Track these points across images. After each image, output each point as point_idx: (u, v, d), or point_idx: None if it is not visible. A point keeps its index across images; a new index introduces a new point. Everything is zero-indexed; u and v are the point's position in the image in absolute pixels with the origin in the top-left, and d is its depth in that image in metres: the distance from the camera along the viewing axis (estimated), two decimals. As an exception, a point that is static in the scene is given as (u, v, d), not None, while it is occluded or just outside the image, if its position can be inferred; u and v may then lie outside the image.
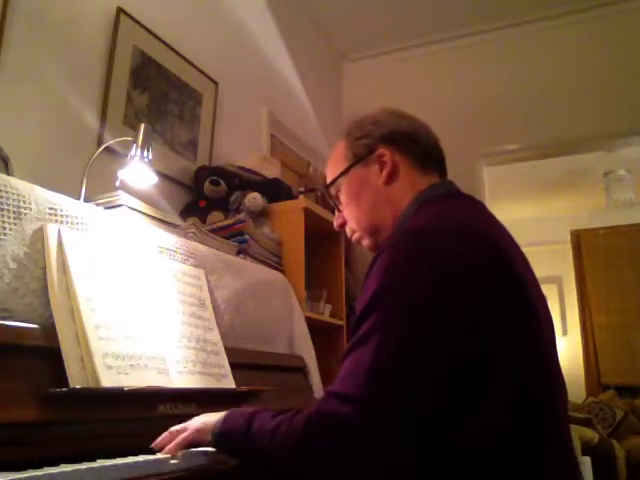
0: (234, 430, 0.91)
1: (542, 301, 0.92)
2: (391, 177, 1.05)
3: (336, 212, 1.16)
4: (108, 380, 1.03)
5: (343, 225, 1.15)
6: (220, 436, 0.93)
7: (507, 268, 0.85)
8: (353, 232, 1.13)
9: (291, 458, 0.81)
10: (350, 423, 0.76)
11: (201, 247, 1.62)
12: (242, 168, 2.35)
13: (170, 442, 0.99)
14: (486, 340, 0.79)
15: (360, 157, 1.08)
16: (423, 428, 0.76)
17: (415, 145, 1.07)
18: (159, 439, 1.01)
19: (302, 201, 2.31)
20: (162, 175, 2.04)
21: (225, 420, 0.94)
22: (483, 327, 0.79)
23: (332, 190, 1.14)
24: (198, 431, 0.97)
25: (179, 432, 1.00)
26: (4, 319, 0.97)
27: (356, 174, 1.09)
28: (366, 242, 1.11)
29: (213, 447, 0.96)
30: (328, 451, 0.77)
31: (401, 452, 0.76)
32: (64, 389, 0.96)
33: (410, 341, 0.78)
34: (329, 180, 1.15)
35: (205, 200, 2.20)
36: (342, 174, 1.11)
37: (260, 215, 2.24)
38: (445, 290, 0.80)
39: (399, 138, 1.07)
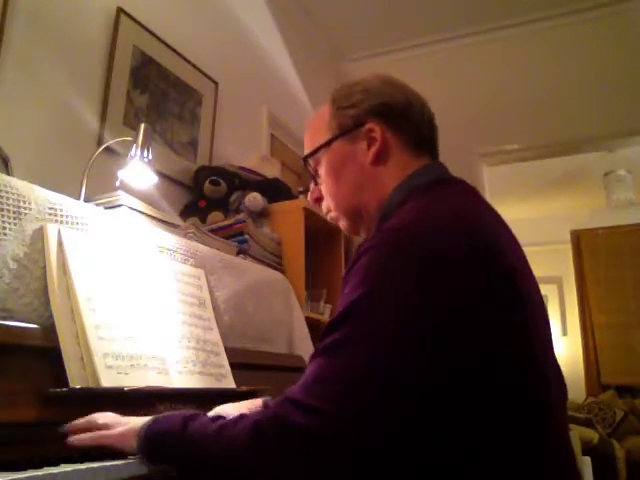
0: (167, 433, 0.81)
1: (538, 296, 0.85)
2: (379, 157, 0.93)
3: (311, 185, 1.03)
4: (108, 380, 1.03)
5: (319, 200, 1.03)
6: (148, 440, 0.82)
7: (502, 267, 0.78)
8: (329, 210, 1.02)
9: (236, 464, 0.72)
10: (314, 436, 0.69)
11: (201, 247, 1.62)
12: (242, 168, 2.35)
13: (87, 430, 0.90)
14: (477, 349, 0.73)
15: (345, 129, 0.96)
16: (401, 443, 0.70)
17: (409, 122, 0.95)
18: (77, 421, 0.92)
19: (302, 201, 2.31)
20: (162, 175, 2.04)
21: (155, 422, 0.84)
22: (472, 338, 0.73)
23: (311, 162, 1.01)
24: (121, 436, 0.87)
25: (106, 426, 0.90)
26: (4, 319, 0.97)
27: (339, 148, 0.96)
28: (343, 224, 1.01)
29: (138, 453, 0.84)
30: (282, 459, 0.69)
31: (365, 468, 0.70)
32: (64, 389, 0.96)
33: (388, 356, 0.71)
34: (308, 150, 1.01)
35: (205, 200, 2.20)
36: (323, 146, 0.98)
37: (260, 215, 2.24)
38: (430, 300, 0.72)
39: (391, 112, 0.94)
